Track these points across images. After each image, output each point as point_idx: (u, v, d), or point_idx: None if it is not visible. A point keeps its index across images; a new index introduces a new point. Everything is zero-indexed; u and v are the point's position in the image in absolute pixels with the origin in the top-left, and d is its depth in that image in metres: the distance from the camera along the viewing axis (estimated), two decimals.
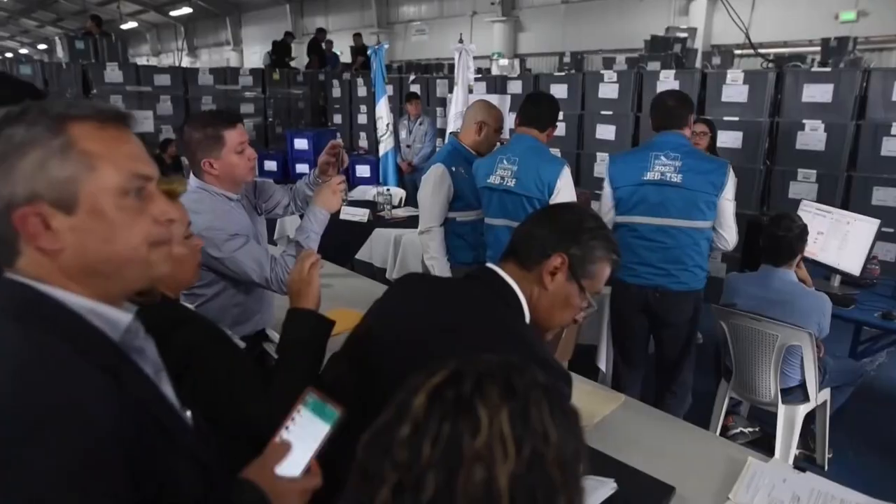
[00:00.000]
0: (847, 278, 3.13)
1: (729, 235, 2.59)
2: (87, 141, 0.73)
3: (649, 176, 2.56)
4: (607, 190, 2.70)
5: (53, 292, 0.73)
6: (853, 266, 3.05)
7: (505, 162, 2.63)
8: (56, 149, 0.71)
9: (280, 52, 11.03)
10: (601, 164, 5.53)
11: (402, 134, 6.57)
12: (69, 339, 0.71)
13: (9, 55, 24.29)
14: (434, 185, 2.85)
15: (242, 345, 1.44)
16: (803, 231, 2.60)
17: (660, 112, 2.64)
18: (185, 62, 16.67)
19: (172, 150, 6.83)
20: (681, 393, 2.80)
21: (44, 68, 7.39)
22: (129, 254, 0.76)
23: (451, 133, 3.29)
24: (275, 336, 2.20)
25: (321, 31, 11.83)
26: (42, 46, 27.56)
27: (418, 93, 6.81)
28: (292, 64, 10.98)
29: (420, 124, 6.47)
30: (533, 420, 0.56)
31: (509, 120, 4.78)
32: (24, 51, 30.11)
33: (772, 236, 2.60)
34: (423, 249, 3.00)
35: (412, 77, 7.84)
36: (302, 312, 1.34)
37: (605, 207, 2.71)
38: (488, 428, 0.54)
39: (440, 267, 2.89)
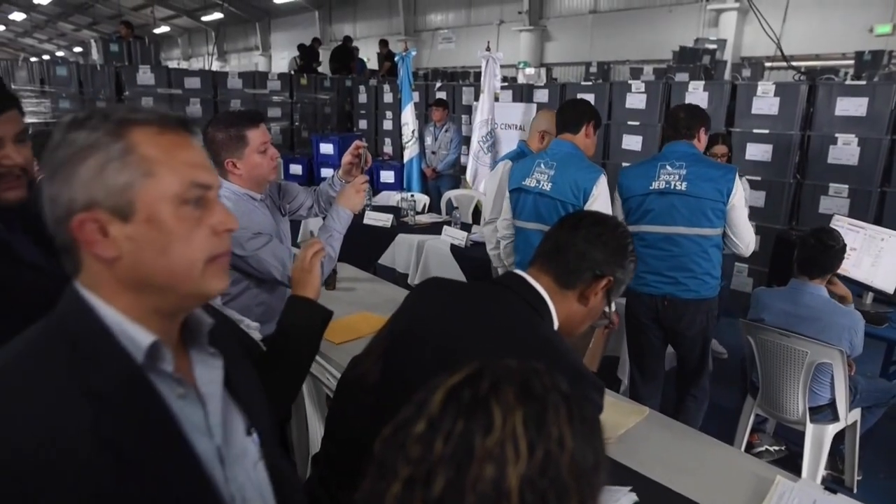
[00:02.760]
0: (880, 296, 3.06)
1: (742, 241, 2.58)
2: (147, 146, 0.71)
3: (654, 185, 2.61)
4: (617, 201, 2.77)
5: (94, 302, 0.71)
6: (887, 283, 2.97)
7: (542, 166, 2.64)
8: (115, 154, 0.70)
9: (307, 56, 11.15)
10: None
11: (428, 140, 6.58)
12: (82, 356, 0.68)
13: (46, 57, 24.96)
14: (500, 178, 3.01)
15: (259, 336, 1.44)
16: (843, 248, 2.55)
17: (668, 123, 2.74)
18: (215, 66, 17.01)
19: None
20: (701, 397, 2.81)
21: (79, 70, 7.54)
22: (185, 267, 0.73)
23: (520, 140, 3.58)
24: None
25: (348, 39, 11.92)
26: (77, 49, 28.27)
27: (445, 99, 6.82)
28: (318, 70, 11.08)
29: (445, 131, 6.48)
30: (549, 425, 0.55)
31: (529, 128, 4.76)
32: (60, 53, 30.90)
33: (814, 245, 2.54)
34: (486, 241, 3.18)
35: (438, 84, 7.86)
36: (300, 300, 1.36)
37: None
38: (501, 428, 0.54)
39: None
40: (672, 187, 2.56)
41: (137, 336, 0.71)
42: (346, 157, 2.21)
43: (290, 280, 1.43)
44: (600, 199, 2.52)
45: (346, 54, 11.25)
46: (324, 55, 11.82)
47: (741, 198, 2.54)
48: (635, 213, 2.68)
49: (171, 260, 0.72)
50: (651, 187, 2.61)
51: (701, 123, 2.67)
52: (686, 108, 2.73)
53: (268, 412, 0.92)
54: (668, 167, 2.59)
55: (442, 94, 7.20)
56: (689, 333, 2.66)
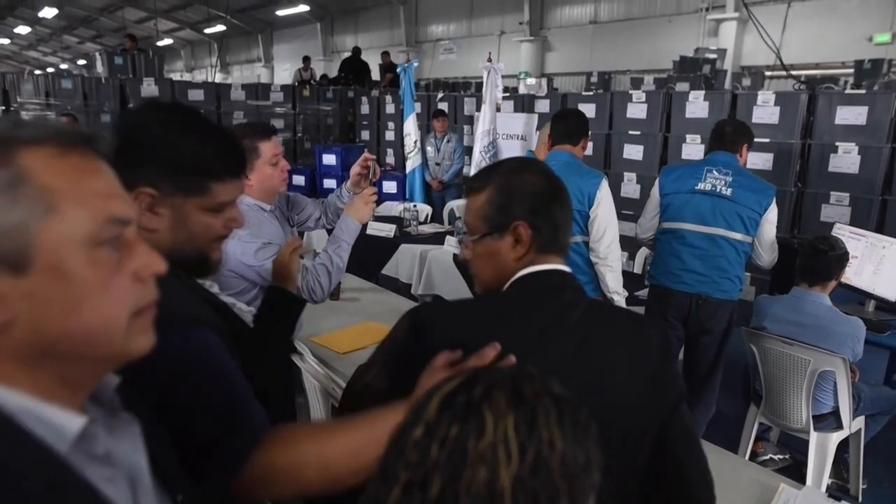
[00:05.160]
0: (882, 303, 3.06)
1: (766, 253, 2.73)
2: (45, 173, 0.55)
3: (701, 186, 2.73)
4: (655, 197, 2.87)
5: None
6: (889, 291, 2.98)
7: None
8: (2, 185, 0.53)
9: (356, 65, 11.13)
10: (628, 184, 5.50)
11: (430, 151, 6.61)
12: None
13: (51, 70, 25.16)
14: None
15: (249, 319, 1.49)
16: (844, 255, 2.56)
17: (715, 135, 2.87)
18: (218, 78, 17.11)
19: None
20: (709, 400, 2.88)
21: (84, 83, 7.62)
22: (104, 327, 0.57)
23: (528, 150, 3.66)
24: (303, 347, 2.22)
25: (357, 50, 11.97)
26: (81, 62, 28.48)
27: (445, 110, 6.87)
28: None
29: (448, 141, 6.51)
30: (539, 427, 0.57)
31: (535, 139, 4.79)
32: (64, 66, 31.12)
33: (812, 252, 2.57)
34: None
35: (440, 95, 7.91)
36: (277, 289, 1.52)
37: (649, 214, 2.90)
38: (493, 432, 0.56)
39: None
40: (717, 191, 2.70)
41: (60, 420, 0.55)
42: (355, 169, 2.24)
43: (272, 271, 1.57)
44: (605, 202, 2.59)
45: (360, 66, 11.30)
46: (326, 66, 11.89)
47: (775, 215, 2.71)
48: (676, 210, 2.78)
49: (85, 319, 0.56)
50: (697, 187, 2.74)
51: (745, 139, 2.84)
52: (733, 123, 2.95)
53: (183, 473, 0.79)
54: (714, 172, 2.73)
55: (444, 105, 7.25)
56: (714, 331, 2.76)
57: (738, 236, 2.69)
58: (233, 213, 1.08)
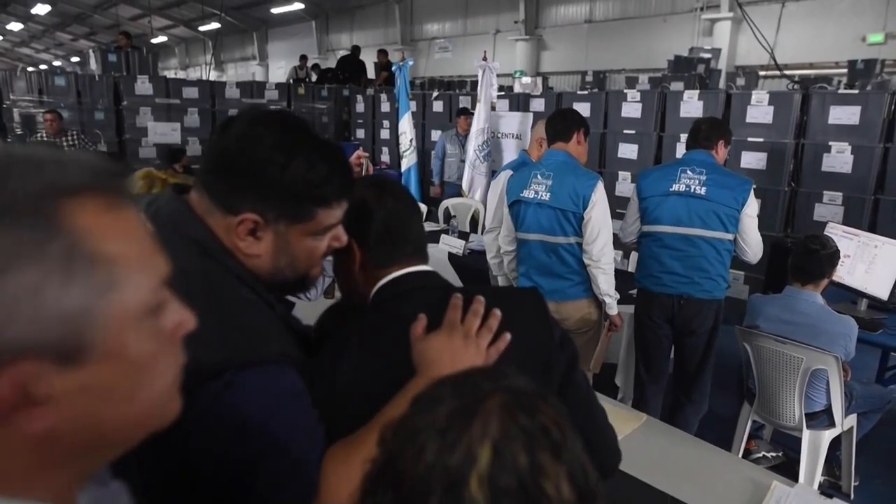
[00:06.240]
0: (874, 302, 3.08)
1: (751, 249, 2.71)
2: (101, 237, 0.43)
3: (675, 187, 2.72)
4: (634, 201, 2.86)
5: None
6: (881, 290, 3.01)
7: (539, 176, 2.68)
8: (55, 260, 0.41)
9: (353, 64, 11.02)
10: (623, 184, 5.52)
11: (450, 150, 6.43)
12: None
13: (43, 67, 25.01)
14: (502, 187, 3.06)
15: None
16: (836, 253, 2.58)
17: (690, 134, 2.86)
18: (212, 76, 16.95)
19: (185, 160, 6.83)
20: (699, 399, 2.88)
21: (77, 80, 7.58)
22: (157, 405, 0.49)
23: (522, 150, 3.68)
24: None
25: (356, 49, 11.92)
26: (75, 59, 28.30)
27: (469, 108, 6.77)
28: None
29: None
30: (521, 461, 0.52)
31: (529, 137, 4.79)
32: (57, 63, 30.94)
33: (804, 252, 2.58)
34: (487, 249, 3.22)
35: (435, 94, 7.90)
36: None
37: (630, 218, 2.89)
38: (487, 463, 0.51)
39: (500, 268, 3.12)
40: (692, 191, 2.69)
41: None
42: None
43: None
44: (599, 205, 2.59)
45: (357, 65, 11.27)
46: (321, 64, 11.84)
47: (754, 208, 2.68)
48: (653, 213, 2.78)
49: (143, 401, 0.47)
50: (671, 189, 2.73)
51: (720, 136, 2.83)
52: (708, 121, 2.95)
53: None
54: (688, 172, 2.72)
55: (439, 104, 7.22)
56: (699, 331, 2.76)
57: (716, 235, 2.67)
58: (336, 232, 1.01)
